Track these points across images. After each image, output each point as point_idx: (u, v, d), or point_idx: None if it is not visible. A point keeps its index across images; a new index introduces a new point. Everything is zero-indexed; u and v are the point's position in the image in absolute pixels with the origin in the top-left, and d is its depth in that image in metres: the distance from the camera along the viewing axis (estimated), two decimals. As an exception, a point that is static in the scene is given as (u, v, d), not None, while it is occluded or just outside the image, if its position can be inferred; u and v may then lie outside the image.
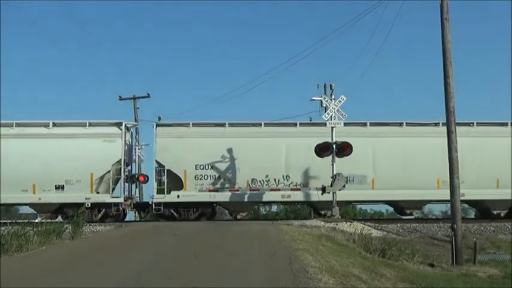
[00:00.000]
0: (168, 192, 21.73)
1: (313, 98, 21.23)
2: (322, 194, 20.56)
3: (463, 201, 23.33)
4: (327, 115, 20.43)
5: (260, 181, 22.01)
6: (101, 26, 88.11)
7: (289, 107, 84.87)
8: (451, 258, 14.48)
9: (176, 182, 22.06)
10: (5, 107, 77.58)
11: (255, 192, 21.94)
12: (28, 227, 12.70)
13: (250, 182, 21.95)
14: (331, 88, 21.04)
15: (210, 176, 21.92)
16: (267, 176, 21.99)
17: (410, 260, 13.60)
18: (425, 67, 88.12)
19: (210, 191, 21.86)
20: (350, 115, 20.94)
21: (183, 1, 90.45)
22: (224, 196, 21.86)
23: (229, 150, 22.07)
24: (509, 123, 22.78)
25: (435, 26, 15.95)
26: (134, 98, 34.34)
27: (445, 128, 21.89)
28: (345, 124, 21.02)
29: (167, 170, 21.83)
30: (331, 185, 19.99)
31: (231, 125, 22.56)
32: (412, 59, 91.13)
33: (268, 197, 22.10)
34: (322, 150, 20.39)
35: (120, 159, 21.61)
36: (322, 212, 22.06)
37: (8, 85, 78.04)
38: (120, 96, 34.59)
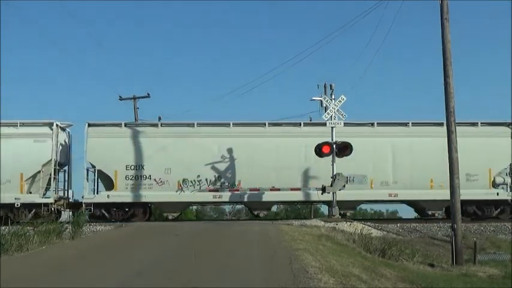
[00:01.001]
0: (98, 193, 21.80)
1: (313, 98, 21.23)
2: (322, 193, 20.55)
3: (399, 202, 23.51)
4: (327, 115, 20.43)
5: (192, 181, 21.78)
6: (101, 26, 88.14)
7: (290, 107, 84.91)
8: (451, 258, 14.48)
9: (107, 182, 21.97)
10: (5, 107, 77.59)
11: (186, 193, 21.66)
12: (28, 227, 12.71)
13: (181, 182, 21.73)
14: (331, 88, 21.03)
15: (141, 176, 21.71)
16: (199, 176, 21.78)
17: (410, 260, 13.60)
18: (425, 67, 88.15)
19: (140, 190, 21.68)
20: (350, 115, 21.03)
21: (183, 1, 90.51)
22: (155, 196, 21.59)
23: (161, 150, 21.85)
24: (444, 124, 22.63)
25: (435, 26, 15.98)
26: (134, 98, 34.24)
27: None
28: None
29: (98, 170, 21.78)
30: (331, 185, 19.98)
31: (164, 125, 22.50)
32: (412, 59, 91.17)
33: (198, 197, 21.85)
34: (322, 150, 20.39)
35: (51, 160, 21.36)
36: (256, 213, 22.47)
37: (8, 85, 78.05)
38: (120, 96, 34.50)
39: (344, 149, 20.22)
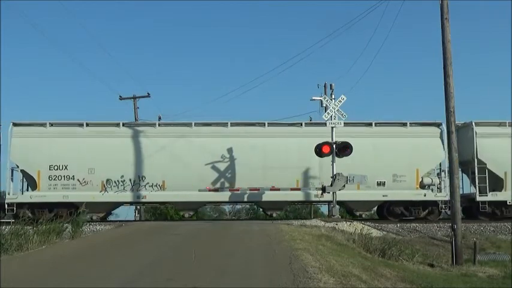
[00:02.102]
0: (22, 193, 21.61)
1: (313, 98, 21.25)
2: (322, 193, 20.56)
3: (327, 202, 23.30)
4: (327, 115, 20.44)
5: (115, 181, 21.52)
6: (101, 26, 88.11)
7: (289, 107, 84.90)
8: (451, 258, 14.50)
9: (31, 183, 21.78)
10: (5, 107, 77.59)
11: (110, 193, 21.45)
12: (28, 227, 12.71)
13: (105, 183, 21.49)
14: (331, 88, 21.05)
15: (64, 176, 21.46)
16: (122, 176, 21.54)
17: (410, 260, 13.61)
18: (425, 67, 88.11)
19: (64, 190, 21.42)
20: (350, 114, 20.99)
21: (183, 1, 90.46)
22: (79, 197, 21.05)
23: (85, 150, 21.62)
24: (373, 124, 22.50)
25: (435, 26, 15.99)
26: (134, 98, 34.31)
27: (309, 128, 22.29)
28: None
29: (21, 170, 21.60)
30: (331, 185, 19.98)
31: (91, 125, 22.19)
32: (412, 59, 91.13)
33: (122, 197, 21.62)
34: (322, 150, 20.38)
35: None
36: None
37: (8, 85, 78.03)
38: (120, 96, 34.59)
39: (344, 149, 20.21)
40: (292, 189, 21.54)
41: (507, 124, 22.35)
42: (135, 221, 25.21)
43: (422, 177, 21.86)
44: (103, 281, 8.18)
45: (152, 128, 22.31)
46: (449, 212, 22.41)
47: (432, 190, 21.87)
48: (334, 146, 20.12)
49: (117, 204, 22.71)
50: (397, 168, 21.58)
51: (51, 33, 76.01)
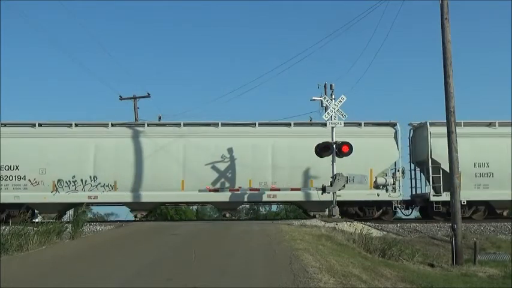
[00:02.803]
0: None
1: (313, 98, 21.25)
2: (322, 193, 20.55)
3: (280, 202, 23.15)
4: (327, 115, 20.45)
5: (67, 182, 21.41)
6: (101, 26, 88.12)
7: (290, 107, 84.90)
8: (451, 258, 14.49)
9: None
10: (5, 107, 77.63)
11: (61, 193, 21.30)
12: (28, 227, 12.71)
13: (56, 183, 21.34)
14: (331, 88, 21.07)
15: (16, 176, 21.35)
16: (74, 176, 21.42)
17: (411, 260, 13.61)
18: (425, 67, 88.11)
19: (15, 190, 21.26)
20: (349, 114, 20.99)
21: (183, 1, 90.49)
22: (30, 197, 21.15)
23: (37, 151, 21.49)
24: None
25: (435, 26, 15.98)
26: (134, 98, 34.27)
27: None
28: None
29: None
30: (331, 185, 19.98)
31: (44, 125, 22.10)
32: (412, 59, 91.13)
33: (77, 198, 21.27)
34: (323, 150, 20.38)
35: None
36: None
37: (7, 85, 78.04)
38: (120, 96, 34.55)
39: (344, 149, 20.21)
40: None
41: (462, 124, 22.08)
42: (135, 221, 25.16)
43: (376, 177, 21.74)
44: (103, 281, 8.18)
45: (105, 128, 22.17)
46: (406, 212, 22.73)
47: (386, 190, 21.72)
48: (334, 146, 20.13)
49: (69, 205, 22.54)
50: (350, 168, 21.23)
51: (51, 33, 76.07)
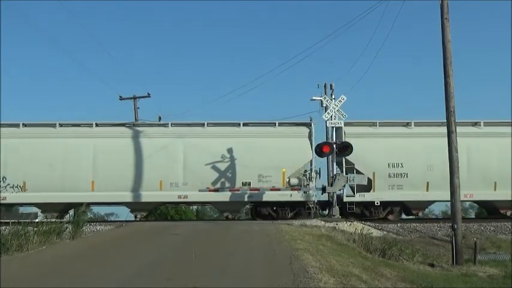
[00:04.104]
0: None
1: (313, 98, 21.26)
2: (322, 193, 20.60)
3: (191, 203, 23.04)
4: (327, 115, 20.46)
5: None
6: (101, 26, 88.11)
7: (289, 107, 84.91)
8: (451, 258, 14.49)
9: None
10: (5, 107, 77.64)
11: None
12: (29, 227, 12.70)
13: None
14: (331, 88, 21.10)
15: None
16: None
17: (411, 259, 13.61)
18: (425, 67, 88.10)
19: None
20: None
21: (183, 1, 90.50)
22: None
23: None
24: (241, 124, 22.56)
25: (435, 26, 15.98)
26: (134, 98, 34.25)
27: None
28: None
29: None
30: (331, 185, 20.00)
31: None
32: (413, 58, 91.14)
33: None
34: (323, 149, 20.41)
35: None
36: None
37: (8, 85, 78.05)
38: (120, 96, 34.54)
39: (344, 149, 20.24)
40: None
41: (377, 124, 22.24)
42: (135, 221, 25.15)
43: (289, 178, 21.66)
44: (103, 281, 8.18)
45: (16, 129, 22.17)
46: (323, 213, 22.61)
47: (300, 191, 21.63)
48: (334, 145, 20.15)
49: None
50: (263, 169, 21.48)
51: (51, 33, 76.08)
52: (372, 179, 21.73)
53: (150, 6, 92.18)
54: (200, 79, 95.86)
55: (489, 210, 24.33)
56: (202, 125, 22.54)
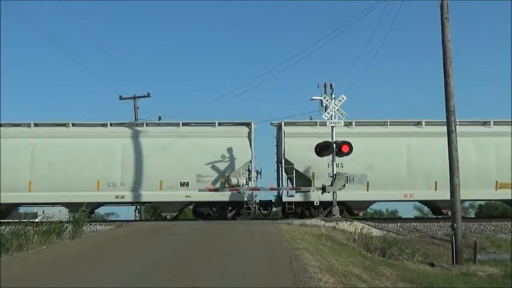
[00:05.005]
0: None
1: (313, 98, 21.24)
2: (322, 193, 20.57)
3: (128, 203, 23.02)
4: (327, 114, 20.45)
5: None
6: (101, 26, 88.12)
7: (289, 107, 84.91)
8: (451, 258, 14.49)
9: None
10: (6, 107, 77.62)
11: None
12: (29, 227, 12.70)
13: None
14: (331, 87, 21.05)
15: None
16: None
17: (411, 259, 13.60)
18: (425, 66, 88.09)
19: None
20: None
21: (183, 1, 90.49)
22: None
23: None
24: (181, 124, 22.62)
25: (435, 25, 15.97)
26: (134, 98, 34.29)
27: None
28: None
29: None
30: (331, 185, 19.98)
31: None
32: (412, 58, 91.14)
33: None
34: (323, 149, 20.40)
35: None
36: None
37: (7, 85, 78.06)
38: (120, 96, 34.58)
39: (344, 149, 20.22)
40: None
41: (318, 124, 22.16)
42: (135, 221, 25.17)
43: (228, 178, 21.59)
44: (103, 281, 8.17)
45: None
46: (264, 212, 22.77)
47: (239, 191, 21.54)
48: (334, 145, 20.15)
49: None
50: (201, 169, 21.43)
51: (51, 33, 76.08)
52: (311, 179, 21.77)
53: (150, 6, 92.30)
54: (200, 79, 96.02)
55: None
56: (142, 124, 22.70)
